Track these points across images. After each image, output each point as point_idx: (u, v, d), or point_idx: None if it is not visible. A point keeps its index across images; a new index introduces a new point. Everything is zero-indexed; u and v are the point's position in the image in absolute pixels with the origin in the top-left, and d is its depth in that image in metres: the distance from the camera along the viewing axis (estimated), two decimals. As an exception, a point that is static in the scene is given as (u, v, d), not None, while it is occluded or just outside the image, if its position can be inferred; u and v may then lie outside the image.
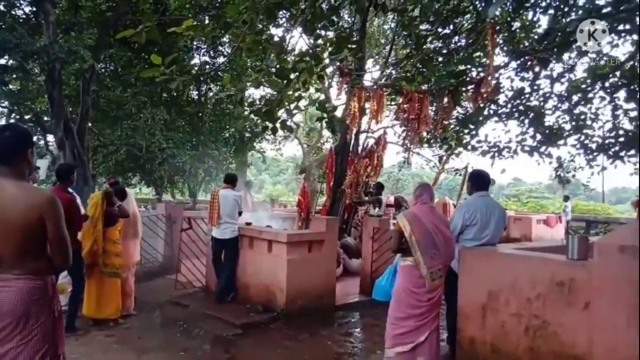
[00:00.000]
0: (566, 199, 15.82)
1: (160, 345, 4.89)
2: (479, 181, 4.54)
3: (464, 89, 5.24)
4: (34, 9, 9.26)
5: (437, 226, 3.95)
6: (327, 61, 6.61)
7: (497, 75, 6.79)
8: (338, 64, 5.25)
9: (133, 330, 5.36)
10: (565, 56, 7.10)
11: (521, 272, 3.73)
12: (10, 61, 9.09)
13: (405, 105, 4.84)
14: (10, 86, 11.79)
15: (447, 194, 41.20)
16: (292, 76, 5.10)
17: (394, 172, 22.76)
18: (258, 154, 18.41)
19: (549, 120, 8.62)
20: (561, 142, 8.70)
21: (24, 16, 9.90)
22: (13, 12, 9.58)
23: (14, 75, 10.18)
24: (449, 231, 4.08)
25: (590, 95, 8.15)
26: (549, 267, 3.57)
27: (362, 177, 6.48)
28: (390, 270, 4.48)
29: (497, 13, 7.45)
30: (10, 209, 2.28)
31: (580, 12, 6.32)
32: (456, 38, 7.75)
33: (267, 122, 5.30)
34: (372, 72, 14.60)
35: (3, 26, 8.40)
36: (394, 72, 9.23)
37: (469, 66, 5.41)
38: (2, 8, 9.41)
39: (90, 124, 11.32)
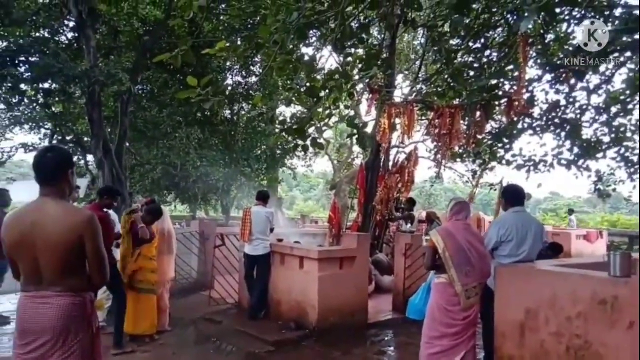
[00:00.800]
0: (570, 212, 15.96)
1: (194, 362, 4.94)
2: (513, 196, 4.43)
3: (496, 103, 5.17)
4: (76, 34, 9.69)
5: (471, 242, 3.87)
6: (356, 77, 6.68)
7: (531, 88, 6.68)
8: (367, 81, 5.27)
9: (168, 346, 5.43)
10: (602, 67, 6.91)
11: (561, 290, 3.60)
12: (54, 85, 9.51)
13: (436, 121, 4.80)
14: (53, 108, 12.33)
15: (482, 208, 40.39)
16: (321, 94, 5.16)
17: (426, 187, 22.50)
18: (289, 170, 18.57)
19: (587, 132, 8.39)
20: (600, 154, 8.44)
21: (66, 42, 10.38)
22: (56, 38, 10.06)
23: (57, 99, 10.63)
24: (484, 247, 3.99)
25: (630, 106, 7.89)
26: (590, 285, 3.43)
27: (393, 193, 6.43)
28: (423, 288, 4.41)
29: (530, 26, 7.36)
30: (51, 228, 2.36)
31: (616, 22, 6.16)
32: (487, 52, 7.67)
33: (298, 140, 5.35)
34: (402, 88, 14.61)
35: (47, 52, 8.82)
36: (424, 87, 9.19)
37: (501, 80, 5.33)
38: (47, 35, 9.91)
39: (127, 144, 11.69)
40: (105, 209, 5.76)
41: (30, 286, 2.45)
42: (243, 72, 13.44)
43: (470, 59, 7.68)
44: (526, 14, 3.59)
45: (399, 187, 6.06)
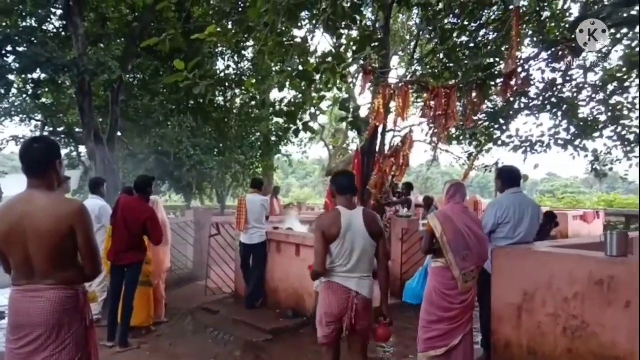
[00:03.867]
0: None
1: (192, 352, 4.96)
2: (509, 178, 4.42)
3: (492, 82, 5.13)
4: (64, 23, 9.54)
5: (470, 226, 3.86)
6: (350, 60, 6.60)
7: (527, 66, 6.64)
8: (361, 62, 5.22)
9: (165, 337, 5.44)
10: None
11: (558, 271, 3.62)
12: (42, 75, 9.39)
13: (431, 102, 4.76)
14: (43, 99, 12.19)
15: (479, 191, 40.50)
16: (314, 77, 5.10)
17: (423, 171, 22.51)
18: (284, 157, 18.48)
19: (583, 112, 8.40)
20: (597, 134, 8.45)
21: (54, 30, 10.22)
22: (44, 27, 9.90)
23: (46, 89, 10.50)
24: (482, 231, 3.99)
25: (627, 84, 7.87)
26: (587, 265, 3.45)
27: (388, 177, 6.41)
28: (420, 273, 4.43)
29: (525, 3, 7.28)
30: (41, 220, 2.34)
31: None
32: (483, 31, 7.61)
33: (289, 124, 5.31)
34: (397, 69, 14.50)
35: (35, 41, 8.69)
36: (419, 68, 9.13)
37: (497, 59, 5.30)
38: (34, 24, 9.75)
39: (119, 134, 11.60)
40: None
41: (21, 280, 2.43)
42: (235, 57, 13.30)
43: (466, 38, 7.63)
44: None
45: (393, 171, 6.03)
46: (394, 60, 15.26)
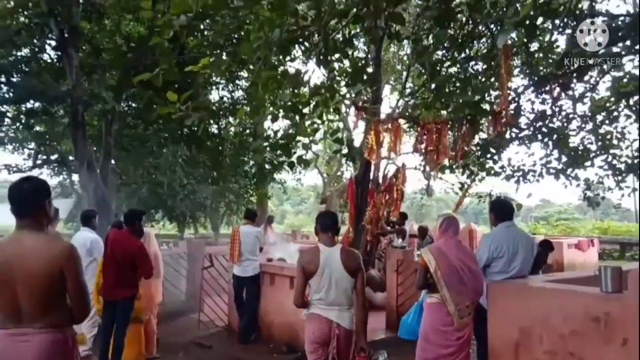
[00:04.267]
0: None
1: (183, 390, 4.83)
2: (501, 211, 4.42)
3: (482, 118, 5.19)
4: (58, 53, 9.62)
5: (464, 261, 3.85)
6: (343, 90, 6.67)
7: (516, 97, 6.73)
8: (354, 96, 5.28)
9: (156, 374, 5.31)
10: (586, 76, 7.00)
11: (553, 307, 3.58)
12: (36, 104, 9.41)
13: (423, 137, 4.81)
14: (37, 127, 12.18)
15: (474, 218, 40.56)
16: (307, 110, 5.15)
17: (417, 198, 22.53)
18: (278, 184, 18.48)
19: (574, 141, 8.48)
20: (588, 163, 8.52)
21: (48, 61, 10.29)
22: (39, 58, 9.97)
23: (40, 119, 10.51)
24: (476, 266, 3.97)
25: (615, 113, 7.99)
26: (583, 301, 3.42)
27: (383, 212, 6.41)
28: (415, 308, 4.37)
29: (513, 35, 7.43)
30: (30, 263, 2.30)
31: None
32: (472, 62, 7.74)
33: (283, 157, 5.32)
34: (389, 99, 14.67)
35: (29, 72, 8.74)
36: (411, 100, 9.24)
37: (486, 94, 5.39)
38: (29, 54, 9.81)
39: (113, 163, 11.58)
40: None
41: (8, 323, 2.38)
42: (230, 87, 13.43)
43: (456, 69, 7.74)
44: (505, 27, 3.61)
45: (388, 206, 6.03)
46: (386, 89, 15.47)
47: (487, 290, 4.05)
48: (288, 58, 6.83)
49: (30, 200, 2.42)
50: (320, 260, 3.38)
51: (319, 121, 5.03)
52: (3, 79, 8.41)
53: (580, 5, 5.09)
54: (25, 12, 9.62)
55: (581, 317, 3.39)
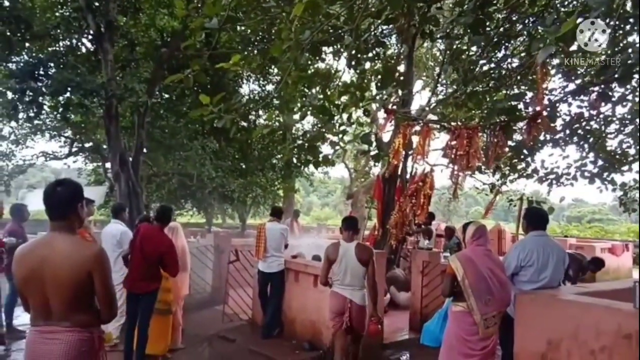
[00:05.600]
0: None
1: (206, 383, 4.91)
2: (534, 220, 4.31)
3: (515, 125, 5.06)
4: (94, 47, 9.83)
5: (492, 270, 3.77)
6: (374, 92, 6.59)
7: (553, 100, 6.52)
8: (384, 99, 5.21)
9: (180, 366, 5.42)
10: (630, 82, 6.72)
11: (584, 321, 3.47)
12: (72, 96, 9.65)
13: (453, 142, 4.72)
14: (72, 117, 12.50)
15: (503, 216, 39.77)
16: (334, 111, 5.10)
17: (445, 193, 22.16)
18: (305, 177, 18.49)
19: (612, 144, 8.17)
20: (625, 167, 8.21)
21: (84, 54, 10.54)
22: (75, 51, 10.21)
23: (75, 111, 10.77)
24: (505, 275, 3.89)
25: (657, 117, 7.65)
26: (615, 318, 3.30)
27: (409, 217, 6.33)
28: (440, 314, 4.31)
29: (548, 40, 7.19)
30: (60, 265, 2.37)
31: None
32: (508, 61, 7.52)
33: (309, 156, 5.32)
34: (420, 95, 14.44)
35: (66, 65, 8.96)
36: (443, 97, 9.07)
37: (521, 99, 5.23)
38: (65, 48, 10.07)
39: (144, 154, 11.81)
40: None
41: (39, 320, 2.46)
42: (261, 80, 13.48)
43: (492, 66, 7.53)
44: (543, 45, 3.49)
45: (414, 210, 5.95)
46: (417, 85, 15.26)
47: (514, 299, 3.96)
48: (318, 58, 6.81)
49: (63, 203, 2.49)
50: (339, 252, 4.59)
51: (347, 124, 4.97)
52: (41, 72, 8.63)
53: (623, 7, 4.88)
54: (64, 7, 9.86)
55: (613, 334, 3.28)
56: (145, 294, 4.97)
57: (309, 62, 6.15)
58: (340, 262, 4.56)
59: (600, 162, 8.20)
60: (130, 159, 9.82)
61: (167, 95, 12.75)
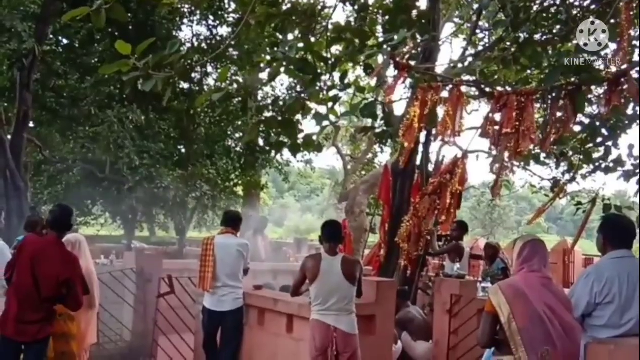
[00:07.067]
0: None
1: None
2: (614, 235, 4.36)
3: (590, 92, 5.06)
4: None
5: (553, 308, 3.82)
6: (380, 38, 6.62)
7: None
8: (394, 47, 5.21)
9: None
10: None
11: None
12: None
13: (497, 114, 4.72)
14: None
15: (572, 226, 40.21)
16: (323, 68, 5.13)
17: (485, 193, 22.23)
18: (277, 168, 18.41)
19: None
20: None
21: None
22: None
23: None
24: (571, 315, 3.94)
25: None
26: None
27: (427, 225, 6.32)
28: (475, 374, 4.38)
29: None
30: None
31: None
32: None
33: (284, 137, 5.35)
34: (450, 44, 14.51)
35: None
36: (481, 49, 9.13)
37: (597, 57, 5.28)
38: None
39: (31, 127, 11.71)
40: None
41: None
42: (209, 19, 13.44)
43: (556, 1, 7.59)
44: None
45: (435, 217, 5.94)
46: (446, 29, 15.33)
47: (584, 351, 4.03)
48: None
49: None
50: (320, 269, 5.04)
51: (340, 86, 4.99)
52: None
53: None
54: None
55: None
56: (32, 342, 4.92)
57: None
58: (321, 281, 5.03)
59: None
60: (9, 137, 9.72)
61: (65, 41, 12.66)
